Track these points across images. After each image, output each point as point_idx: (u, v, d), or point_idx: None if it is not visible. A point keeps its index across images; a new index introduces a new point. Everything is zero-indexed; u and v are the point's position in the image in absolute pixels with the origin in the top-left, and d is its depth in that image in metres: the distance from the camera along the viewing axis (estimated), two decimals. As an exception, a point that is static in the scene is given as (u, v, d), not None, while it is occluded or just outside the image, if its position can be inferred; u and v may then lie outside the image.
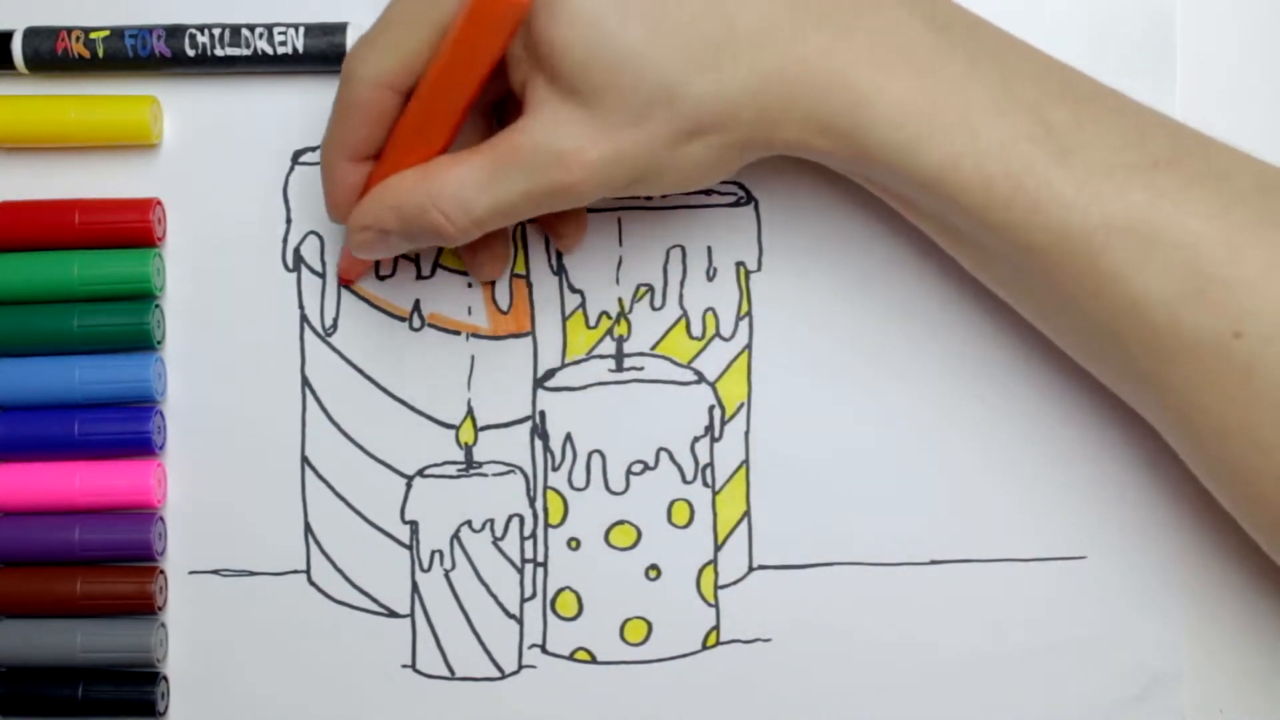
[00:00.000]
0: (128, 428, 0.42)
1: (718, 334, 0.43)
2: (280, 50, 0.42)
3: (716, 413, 0.43)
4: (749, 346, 0.43)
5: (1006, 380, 0.42)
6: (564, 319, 0.43)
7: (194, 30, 0.42)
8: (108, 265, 0.42)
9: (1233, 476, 0.36)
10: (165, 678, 0.43)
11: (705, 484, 0.43)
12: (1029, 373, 0.41)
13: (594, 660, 0.43)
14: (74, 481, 0.42)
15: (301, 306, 0.43)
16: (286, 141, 0.42)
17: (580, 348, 0.43)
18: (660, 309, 0.43)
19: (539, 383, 0.43)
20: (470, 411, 0.43)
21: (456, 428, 0.43)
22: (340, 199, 0.39)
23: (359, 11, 0.42)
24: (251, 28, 0.42)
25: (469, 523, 0.43)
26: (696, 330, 0.43)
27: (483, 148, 0.36)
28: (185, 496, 0.43)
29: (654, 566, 0.43)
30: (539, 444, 0.43)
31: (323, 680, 0.43)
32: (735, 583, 0.43)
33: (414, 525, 0.43)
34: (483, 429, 0.43)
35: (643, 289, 0.43)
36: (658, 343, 0.43)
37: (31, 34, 0.42)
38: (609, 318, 0.43)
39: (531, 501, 0.43)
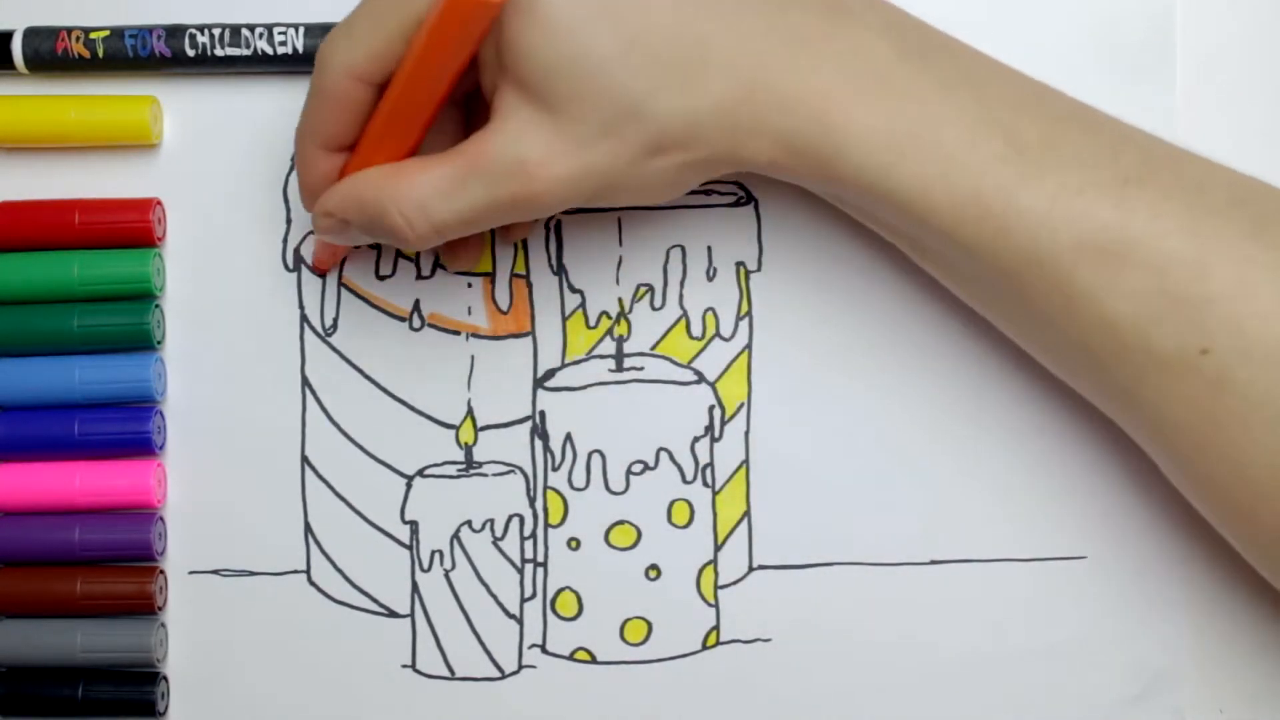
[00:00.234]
0: (128, 428, 0.42)
1: (718, 334, 0.43)
2: (280, 50, 0.42)
3: (716, 413, 0.43)
4: (749, 346, 0.43)
5: (1007, 380, 0.42)
6: (564, 319, 0.43)
7: (194, 30, 0.42)
8: (108, 265, 0.42)
9: (1208, 490, 0.37)
10: (165, 678, 0.43)
11: (705, 484, 0.43)
12: (1029, 373, 0.41)
13: (594, 660, 0.43)
14: (74, 481, 0.42)
15: (301, 306, 0.43)
16: (286, 141, 0.42)
17: (580, 348, 0.43)
18: (660, 309, 0.43)
19: (539, 383, 0.43)
20: (470, 411, 0.43)
21: (456, 428, 0.43)
22: (310, 186, 0.39)
23: (359, 11, 0.42)
24: (251, 28, 0.42)
25: (469, 523, 0.43)
26: (696, 330, 0.43)
27: (449, 154, 0.36)
28: (185, 496, 0.43)
29: (654, 566, 0.43)
30: (539, 444, 0.43)
31: (323, 680, 0.43)
32: (735, 583, 0.43)
33: (414, 525, 0.43)
34: (483, 429, 0.43)
35: (643, 289, 0.43)
36: (658, 343, 0.43)
37: (31, 34, 0.42)
38: (609, 318, 0.43)
39: (531, 501, 0.43)
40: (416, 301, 0.43)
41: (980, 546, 0.42)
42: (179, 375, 0.43)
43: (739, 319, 0.43)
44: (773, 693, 0.43)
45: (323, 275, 0.43)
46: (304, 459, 0.43)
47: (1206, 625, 0.42)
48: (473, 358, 0.43)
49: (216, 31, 0.42)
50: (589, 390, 0.43)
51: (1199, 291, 0.34)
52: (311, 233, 0.43)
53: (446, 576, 0.43)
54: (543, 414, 0.43)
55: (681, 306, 0.43)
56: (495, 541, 0.43)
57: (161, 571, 0.43)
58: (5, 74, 0.43)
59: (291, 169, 0.43)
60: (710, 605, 0.43)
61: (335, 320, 0.43)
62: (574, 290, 0.43)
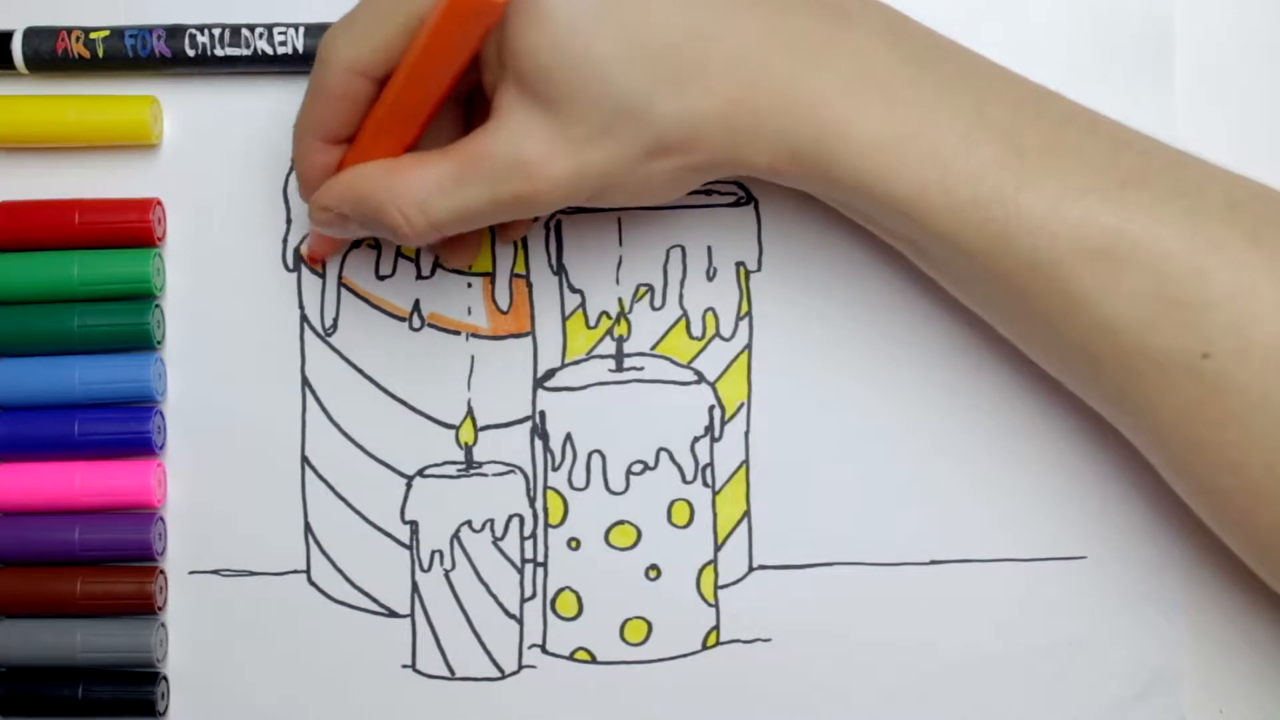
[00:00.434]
0: (128, 428, 0.42)
1: (718, 334, 0.43)
2: (280, 50, 0.42)
3: (716, 413, 0.43)
4: (749, 346, 0.43)
5: (1007, 380, 0.42)
6: (564, 319, 0.43)
7: (194, 30, 0.42)
8: (108, 265, 0.42)
9: (1207, 493, 0.37)
10: (165, 678, 0.43)
11: (705, 484, 0.43)
12: (1029, 372, 0.41)
13: (594, 660, 0.43)
14: (74, 481, 0.42)
15: (301, 306, 0.43)
16: (286, 141, 0.42)
17: (580, 348, 0.43)
18: (660, 309, 0.43)
19: (539, 383, 0.43)
20: (470, 411, 0.43)
21: (456, 428, 0.43)
22: (307, 177, 0.39)
23: (359, 11, 0.42)
24: (251, 28, 0.42)
25: (469, 523, 0.43)
26: (696, 330, 0.43)
27: (448, 151, 0.36)
28: (185, 496, 0.43)
29: (654, 566, 0.43)
30: (539, 444, 0.43)
31: (323, 680, 0.43)
32: (735, 583, 0.43)
33: (414, 525, 0.43)
34: (483, 429, 0.43)
35: (643, 289, 0.43)
36: (658, 343, 0.43)
37: (31, 34, 0.42)
38: (609, 318, 0.43)
39: (531, 501, 0.43)
40: (416, 301, 0.43)
41: (980, 546, 0.42)
42: (179, 375, 0.43)
43: (739, 319, 0.43)
44: (773, 693, 0.43)
45: (320, 266, 0.43)
46: (304, 459, 0.43)
47: (1206, 625, 0.42)
48: (473, 358, 0.43)
49: (216, 31, 0.42)
50: (589, 390, 0.43)
51: (1198, 295, 0.34)
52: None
53: (446, 576, 0.43)
54: (543, 414, 0.43)
55: (681, 306, 0.43)
56: (495, 541, 0.43)
57: (161, 571, 0.43)
58: (5, 74, 0.43)
59: (291, 169, 0.43)
60: (710, 605, 0.43)
61: (335, 320, 0.43)
62: (574, 290, 0.43)
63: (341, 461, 0.43)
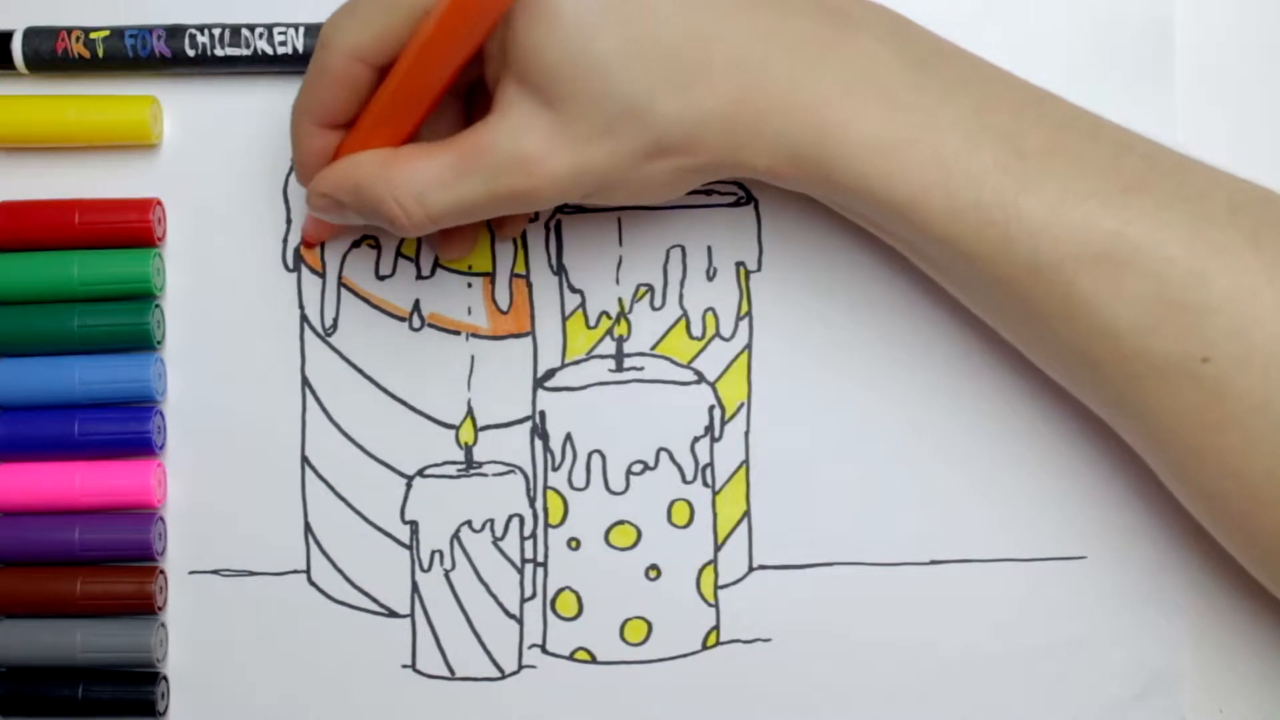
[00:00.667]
0: (128, 428, 0.42)
1: (718, 334, 0.43)
2: (280, 50, 0.42)
3: (716, 413, 0.43)
4: (749, 346, 0.43)
5: (1007, 380, 0.42)
6: (564, 319, 0.43)
7: (194, 30, 0.42)
8: (108, 265, 0.42)
9: (1207, 496, 0.37)
10: (165, 678, 0.43)
11: (705, 484, 0.43)
12: (1029, 373, 0.41)
13: (594, 660, 0.43)
14: (74, 481, 0.42)
15: (301, 306, 0.43)
16: (286, 141, 0.42)
17: (580, 348, 0.43)
18: (660, 309, 0.43)
19: (539, 383, 0.43)
20: (470, 411, 0.43)
21: (456, 428, 0.43)
22: (305, 162, 0.39)
23: (359, 11, 0.42)
24: (251, 28, 0.42)
25: (469, 523, 0.43)
26: (696, 330, 0.43)
27: (448, 144, 0.36)
28: (185, 496, 0.43)
29: (654, 566, 0.43)
30: (539, 444, 0.43)
31: (323, 680, 0.43)
32: (735, 583, 0.43)
33: (414, 525, 0.43)
34: (483, 429, 0.43)
35: (643, 289, 0.43)
36: (658, 343, 0.43)
37: (31, 34, 0.42)
38: (609, 318, 0.43)
39: (531, 501, 0.43)
40: (416, 301, 0.43)
41: (980, 546, 0.42)
42: (179, 375, 0.43)
43: (739, 319, 0.43)
44: (773, 693, 0.43)
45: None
46: (304, 459, 0.43)
47: (1206, 625, 0.42)
48: (473, 358, 0.43)
49: (216, 31, 0.42)
50: (589, 390, 0.43)
51: (1199, 299, 0.34)
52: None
53: (446, 576, 0.43)
54: (543, 414, 0.43)
55: (681, 306, 0.43)
56: (495, 541, 0.43)
57: (161, 571, 0.43)
58: (5, 74, 0.43)
59: (292, 169, 0.43)
60: (710, 605, 0.43)
61: (335, 320, 0.43)
62: (574, 290, 0.43)
63: (341, 461, 0.43)
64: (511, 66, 0.35)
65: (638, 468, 0.43)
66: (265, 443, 0.43)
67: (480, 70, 0.37)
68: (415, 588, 0.43)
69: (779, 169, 0.36)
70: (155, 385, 0.43)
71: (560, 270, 0.43)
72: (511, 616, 0.43)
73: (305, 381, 0.43)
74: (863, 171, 0.35)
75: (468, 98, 0.40)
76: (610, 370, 0.43)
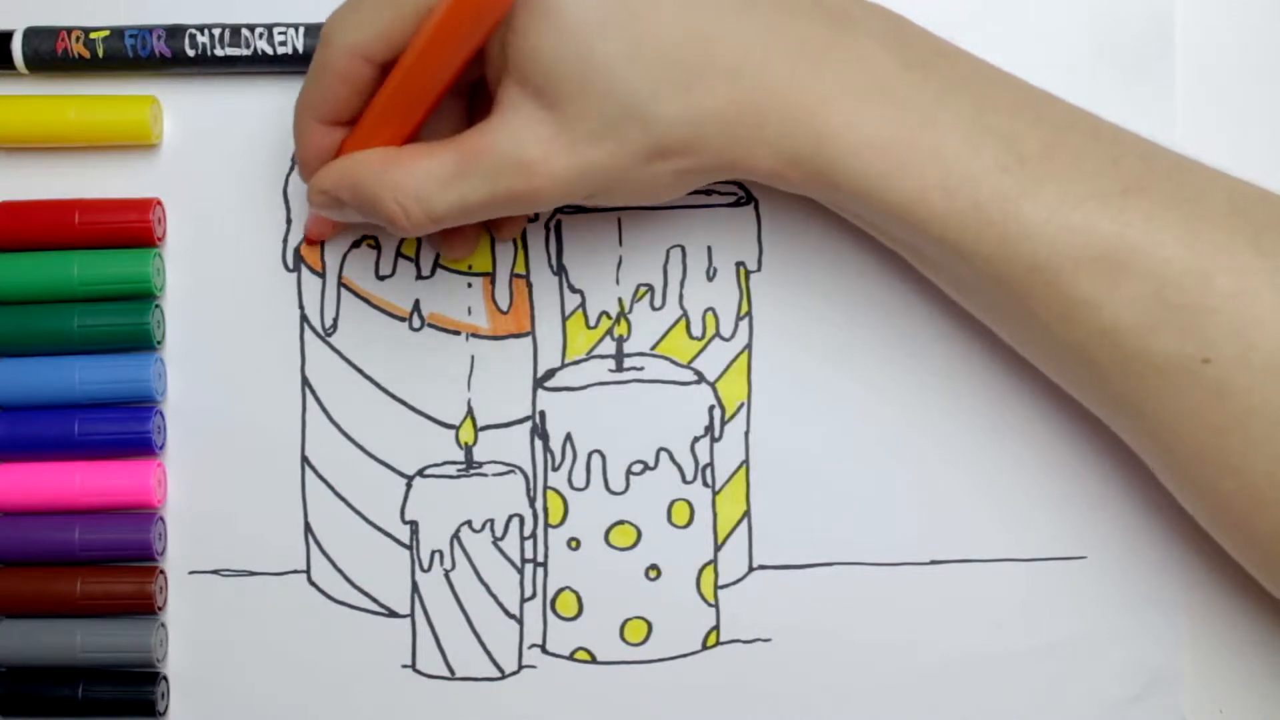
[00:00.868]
0: (128, 428, 0.42)
1: (718, 334, 0.43)
2: (280, 50, 0.42)
3: (716, 413, 0.43)
4: (749, 346, 0.43)
5: (1006, 380, 0.42)
6: (564, 319, 0.43)
7: (194, 30, 0.42)
8: (108, 265, 0.42)
9: (1207, 497, 0.37)
10: (165, 678, 0.43)
11: (705, 484, 0.43)
12: (1030, 373, 0.41)
13: (594, 660, 0.43)
14: (74, 481, 0.42)
15: (301, 306, 0.43)
16: (286, 141, 0.42)
17: (580, 348, 0.43)
18: (660, 309, 0.43)
19: (539, 383, 0.43)
20: (470, 411, 0.43)
21: (456, 428, 0.43)
22: (307, 158, 0.39)
23: (359, 11, 0.42)
24: (251, 28, 0.42)
25: (469, 523, 0.43)
26: (696, 330, 0.43)
27: (449, 144, 0.36)
28: (185, 496, 0.43)
29: (654, 566, 0.43)
30: (539, 444, 0.43)
31: (323, 680, 0.43)
32: (735, 583, 0.43)
33: (414, 525, 0.43)
34: (483, 429, 0.43)
35: (643, 289, 0.43)
36: (658, 343, 0.43)
37: (31, 34, 0.42)
38: (609, 318, 0.43)
39: (531, 501, 0.43)
40: (416, 301, 0.43)
41: (980, 546, 0.42)
42: (179, 375, 0.43)
43: (739, 319, 0.43)
44: (773, 693, 0.43)
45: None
46: (304, 459, 0.43)
47: (1206, 625, 0.42)
48: (473, 358, 0.43)
49: (216, 31, 0.42)
50: (589, 390, 0.43)
51: (1199, 300, 0.34)
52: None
53: (446, 576, 0.43)
54: (543, 414, 0.43)
55: (681, 306, 0.43)
56: (495, 541, 0.43)
57: (161, 571, 0.43)
58: (5, 74, 0.43)
59: (292, 169, 0.43)
60: (710, 605, 0.43)
61: (335, 320, 0.43)
62: (574, 290, 0.43)
63: (341, 461, 0.43)
64: (512, 67, 0.35)
65: (638, 468, 0.43)
66: (265, 443, 0.43)
67: (482, 70, 0.37)
68: (415, 588, 0.43)
69: (779, 170, 0.36)
70: (155, 385, 0.43)
71: (560, 270, 0.43)
72: (511, 616, 0.43)
73: (305, 381, 0.43)
74: (862, 172, 0.35)
75: (470, 97, 0.40)
76: (610, 370, 0.43)
